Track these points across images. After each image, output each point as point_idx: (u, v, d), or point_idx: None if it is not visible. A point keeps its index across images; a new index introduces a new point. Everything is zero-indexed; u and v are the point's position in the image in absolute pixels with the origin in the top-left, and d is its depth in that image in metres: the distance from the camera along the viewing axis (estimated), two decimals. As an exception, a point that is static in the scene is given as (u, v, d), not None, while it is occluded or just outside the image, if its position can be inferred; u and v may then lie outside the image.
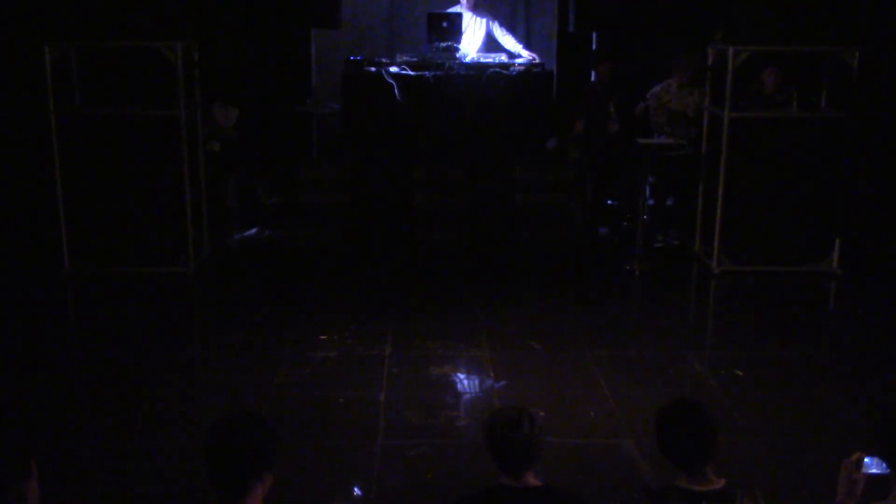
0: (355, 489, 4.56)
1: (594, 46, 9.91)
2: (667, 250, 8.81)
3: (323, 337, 6.57)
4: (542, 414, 5.09)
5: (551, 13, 10.29)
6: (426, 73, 8.88)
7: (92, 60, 8.01)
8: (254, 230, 9.36)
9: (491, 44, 9.62)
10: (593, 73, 9.60)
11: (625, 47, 9.59)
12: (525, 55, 9.30)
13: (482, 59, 9.16)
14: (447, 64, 8.87)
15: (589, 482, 4.54)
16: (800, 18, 7.89)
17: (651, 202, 9.06)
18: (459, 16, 9.21)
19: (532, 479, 2.97)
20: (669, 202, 9.24)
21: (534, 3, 10.64)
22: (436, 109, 8.89)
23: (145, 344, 6.48)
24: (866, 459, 2.85)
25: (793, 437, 5.12)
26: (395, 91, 8.79)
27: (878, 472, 2.84)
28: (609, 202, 9.58)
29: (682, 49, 8.82)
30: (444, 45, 8.97)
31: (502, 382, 5.83)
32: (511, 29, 9.93)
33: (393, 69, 8.92)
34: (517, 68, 8.98)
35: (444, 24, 9.02)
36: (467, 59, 9.11)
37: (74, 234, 7.85)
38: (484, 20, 9.53)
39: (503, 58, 9.22)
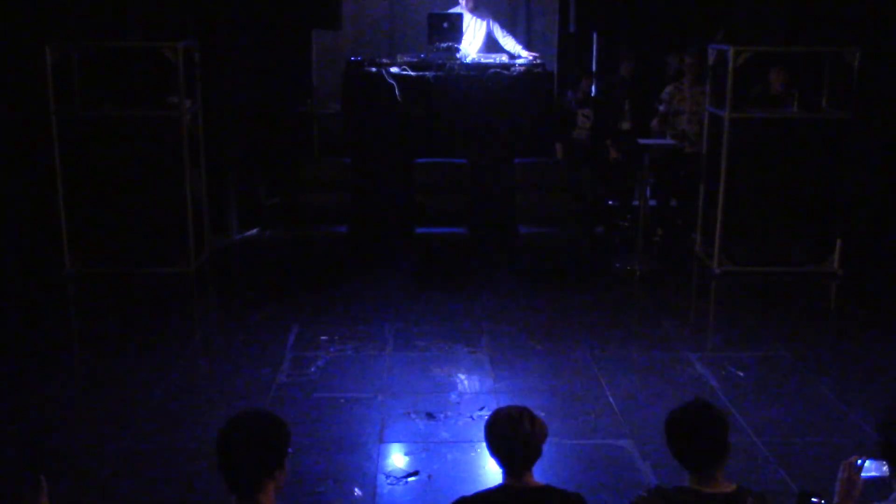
0: (355, 489, 4.56)
1: (594, 47, 9.89)
2: (661, 245, 8.83)
3: (323, 337, 6.58)
4: (542, 414, 5.09)
5: (552, 13, 10.28)
6: (427, 73, 8.87)
7: (92, 60, 8.02)
8: (254, 230, 9.36)
9: (492, 45, 9.61)
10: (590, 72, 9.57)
11: (627, 48, 9.59)
12: (525, 55, 9.30)
13: (483, 60, 9.15)
14: (448, 64, 8.87)
15: (589, 482, 4.55)
16: (800, 18, 7.89)
17: (653, 203, 9.07)
18: (460, 16, 9.20)
19: (532, 480, 2.97)
20: (673, 203, 9.25)
21: (534, 4, 10.62)
22: (437, 110, 8.89)
23: (145, 344, 6.48)
24: (866, 461, 2.85)
25: (793, 437, 5.12)
26: (396, 91, 8.79)
27: (878, 474, 2.84)
28: (609, 202, 9.58)
29: (682, 48, 8.83)
30: (444, 45, 8.96)
31: (502, 382, 5.83)
32: (511, 29, 9.92)
33: (394, 70, 8.91)
34: (518, 69, 8.97)
35: (445, 25, 9.00)
36: (468, 60, 9.11)
37: (75, 234, 7.86)
38: (484, 21, 9.53)
39: (504, 58, 9.21)
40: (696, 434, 2.83)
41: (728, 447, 2.84)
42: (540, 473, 3.01)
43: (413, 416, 5.33)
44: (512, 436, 2.93)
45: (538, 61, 9.26)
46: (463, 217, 8.22)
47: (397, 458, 4.88)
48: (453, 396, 5.62)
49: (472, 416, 5.32)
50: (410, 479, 4.65)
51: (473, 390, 5.74)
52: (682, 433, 2.85)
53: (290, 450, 2.68)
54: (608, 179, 9.31)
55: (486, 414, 5.14)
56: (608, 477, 4.66)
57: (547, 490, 2.98)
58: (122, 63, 8.11)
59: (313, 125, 9.93)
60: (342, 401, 5.53)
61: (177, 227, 7.93)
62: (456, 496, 3.01)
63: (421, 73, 8.89)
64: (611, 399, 5.57)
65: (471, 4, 9.41)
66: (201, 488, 4.54)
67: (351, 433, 5.12)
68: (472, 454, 4.89)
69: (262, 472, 2.60)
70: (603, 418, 5.32)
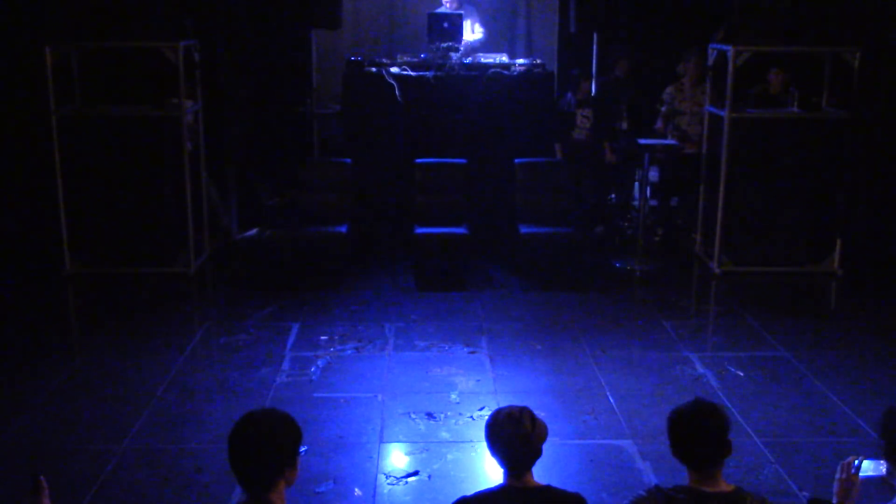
0: (355, 489, 4.56)
1: (594, 47, 9.90)
2: (661, 245, 8.85)
3: (323, 337, 6.58)
4: (542, 414, 5.09)
5: (552, 13, 10.28)
6: (427, 73, 8.88)
7: (92, 60, 8.01)
8: (254, 230, 9.36)
9: (486, 45, 9.67)
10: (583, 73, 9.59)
11: (621, 47, 9.59)
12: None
13: (483, 60, 9.16)
14: (448, 64, 8.87)
15: (589, 482, 4.55)
16: (800, 18, 7.89)
17: (653, 203, 9.07)
18: (460, 16, 9.20)
19: (533, 480, 2.97)
20: (673, 202, 9.26)
21: (534, 4, 10.63)
22: (437, 110, 8.89)
23: (145, 344, 6.48)
24: (864, 461, 2.86)
25: (793, 437, 5.12)
26: (396, 91, 8.79)
27: (877, 474, 2.84)
28: (609, 202, 9.58)
29: (684, 49, 8.84)
30: (444, 45, 8.96)
31: (502, 382, 5.83)
32: (511, 28, 9.94)
33: (394, 69, 8.91)
34: (518, 69, 8.98)
35: (445, 25, 9.01)
36: (467, 60, 9.11)
37: (74, 234, 7.86)
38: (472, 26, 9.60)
39: (504, 58, 9.22)
40: (698, 432, 2.84)
41: (729, 446, 2.85)
42: (540, 473, 3.01)
43: (413, 416, 5.33)
44: (512, 436, 2.93)
45: (538, 61, 9.27)
46: (463, 217, 8.23)
47: (397, 458, 4.88)
48: (453, 396, 5.62)
49: (472, 416, 5.32)
50: (410, 479, 4.65)
51: (473, 390, 5.74)
52: (684, 431, 2.87)
53: (301, 448, 2.69)
54: (608, 179, 9.33)
55: (486, 414, 5.14)
56: (608, 477, 4.67)
57: (547, 490, 2.98)
58: (122, 63, 8.10)
59: (313, 125, 9.93)
60: (342, 401, 5.54)
61: (177, 227, 7.93)
62: (456, 496, 3.02)
63: (421, 73, 8.89)
64: (611, 399, 5.57)
65: (454, 5, 9.43)
66: (201, 488, 4.54)
67: (351, 433, 5.12)
68: (472, 454, 4.89)
69: (273, 471, 2.60)
70: (603, 418, 5.32)
